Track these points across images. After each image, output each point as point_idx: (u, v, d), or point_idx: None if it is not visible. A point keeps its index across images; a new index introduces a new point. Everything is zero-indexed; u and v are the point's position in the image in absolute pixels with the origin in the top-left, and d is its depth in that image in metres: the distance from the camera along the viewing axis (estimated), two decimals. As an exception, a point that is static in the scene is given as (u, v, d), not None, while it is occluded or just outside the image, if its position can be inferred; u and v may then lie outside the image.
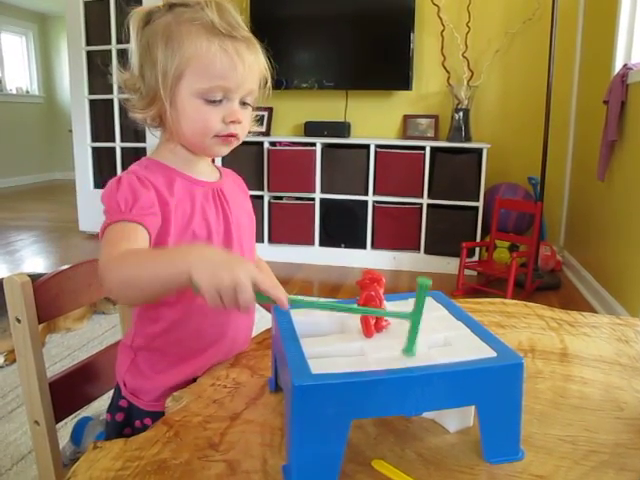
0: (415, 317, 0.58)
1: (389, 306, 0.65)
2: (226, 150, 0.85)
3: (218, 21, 0.76)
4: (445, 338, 0.62)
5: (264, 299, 0.60)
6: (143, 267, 0.66)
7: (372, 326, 0.62)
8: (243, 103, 0.81)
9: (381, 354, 0.57)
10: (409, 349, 0.58)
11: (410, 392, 0.53)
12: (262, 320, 0.95)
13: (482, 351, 0.58)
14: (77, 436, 1.25)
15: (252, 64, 0.80)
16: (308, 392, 0.51)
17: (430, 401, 0.55)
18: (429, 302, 0.74)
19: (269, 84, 0.86)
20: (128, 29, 0.81)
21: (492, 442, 0.58)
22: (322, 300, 0.65)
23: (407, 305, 0.71)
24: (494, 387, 0.56)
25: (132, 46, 0.80)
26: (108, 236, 0.73)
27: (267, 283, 0.60)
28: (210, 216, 0.84)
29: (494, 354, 0.58)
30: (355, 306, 0.63)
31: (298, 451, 0.52)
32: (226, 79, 0.77)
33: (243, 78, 0.78)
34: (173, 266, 0.63)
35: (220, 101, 0.78)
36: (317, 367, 0.54)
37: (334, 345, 0.60)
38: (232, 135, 0.81)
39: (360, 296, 0.63)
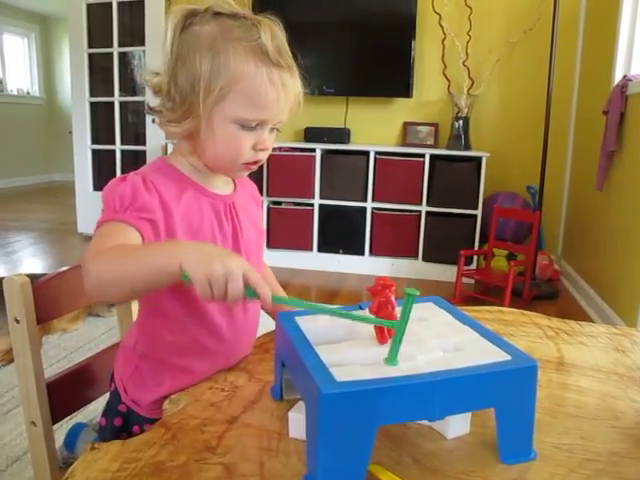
0: (401, 325, 0.58)
1: None
2: (246, 174, 0.86)
3: (271, 48, 0.74)
4: (456, 343, 0.63)
5: (251, 294, 0.61)
6: (127, 262, 0.65)
7: (386, 333, 0.62)
8: (271, 128, 0.81)
9: (401, 363, 0.58)
10: (392, 359, 0.58)
11: (435, 397, 0.54)
12: (260, 325, 0.95)
13: (496, 355, 0.59)
14: (70, 442, 1.25)
15: (290, 94, 0.79)
16: (336, 400, 0.51)
17: (452, 405, 0.56)
18: (432, 308, 0.74)
19: (301, 107, 0.84)
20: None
21: (508, 443, 0.59)
22: (306, 302, 0.66)
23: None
24: (512, 389, 0.58)
25: (167, 46, 0.76)
26: (99, 233, 0.72)
27: (257, 277, 0.61)
28: (219, 231, 0.83)
29: (508, 357, 0.59)
30: (339, 310, 0.64)
31: (325, 459, 0.52)
32: (267, 111, 0.76)
33: (282, 110, 0.78)
34: (162, 258, 0.63)
35: (254, 127, 0.78)
36: (340, 375, 0.54)
37: (349, 352, 0.60)
38: (257, 161, 0.81)
39: (372, 302, 0.63)
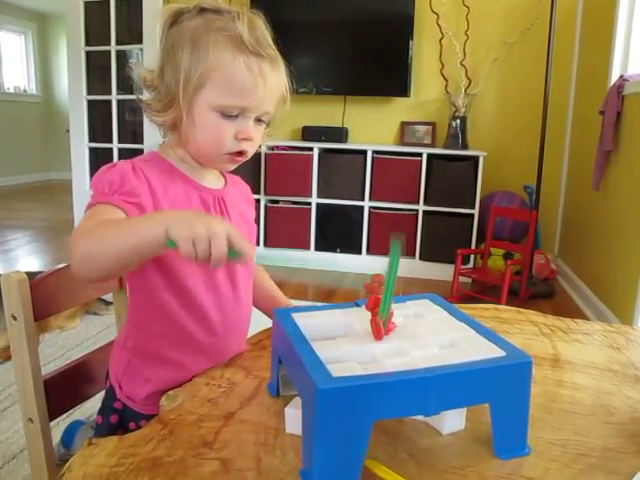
0: (389, 279, 0.60)
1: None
2: (232, 167, 0.86)
3: (247, 37, 0.76)
4: (451, 339, 0.63)
5: (234, 255, 0.63)
6: (112, 232, 0.66)
7: (382, 329, 0.62)
8: (258, 120, 0.81)
9: (396, 359, 0.58)
10: (383, 312, 0.60)
11: (430, 392, 0.54)
12: (255, 322, 0.95)
13: (491, 351, 0.60)
14: (68, 439, 1.25)
15: (273, 85, 0.80)
16: (332, 395, 0.51)
17: (448, 400, 0.56)
18: (428, 305, 0.75)
19: (287, 104, 0.85)
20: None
21: (503, 438, 0.59)
22: None
23: (406, 307, 0.72)
24: (506, 385, 0.58)
25: (157, 43, 0.80)
26: (86, 215, 0.73)
27: (240, 238, 0.63)
28: None
29: (503, 353, 0.59)
30: None
31: (321, 455, 0.52)
32: (245, 98, 0.77)
33: (262, 99, 0.79)
34: (147, 225, 0.64)
35: (236, 116, 0.78)
36: (335, 371, 0.54)
37: (345, 349, 0.61)
38: (242, 153, 0.82)
39: (369, 299, 0.64)
